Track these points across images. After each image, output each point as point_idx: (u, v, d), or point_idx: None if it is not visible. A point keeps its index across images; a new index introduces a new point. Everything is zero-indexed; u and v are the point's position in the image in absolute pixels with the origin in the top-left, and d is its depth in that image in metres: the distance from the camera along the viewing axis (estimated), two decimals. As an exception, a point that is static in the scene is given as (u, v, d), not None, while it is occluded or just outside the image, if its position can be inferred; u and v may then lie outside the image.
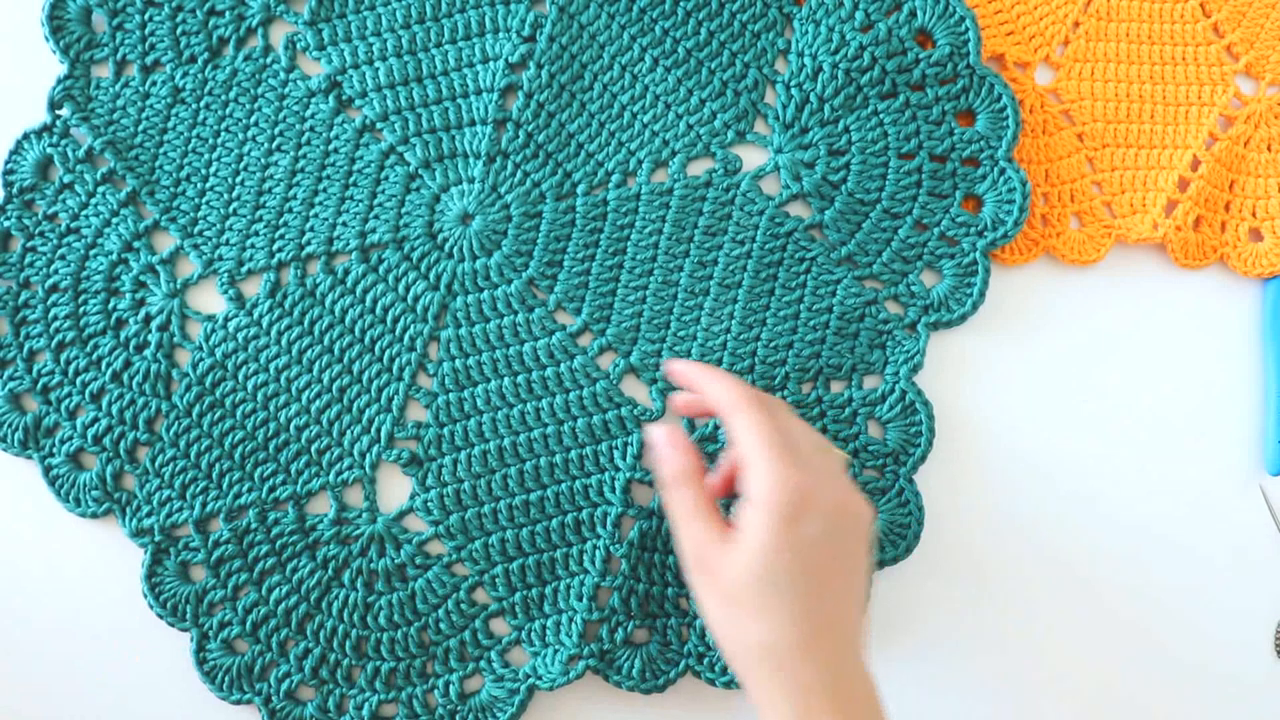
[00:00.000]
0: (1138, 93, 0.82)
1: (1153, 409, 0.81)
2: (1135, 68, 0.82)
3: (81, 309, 0.79)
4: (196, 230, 0.80)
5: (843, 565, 0.65)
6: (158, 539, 0.78)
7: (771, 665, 0.63)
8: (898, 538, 0.77)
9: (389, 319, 0.79)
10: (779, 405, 0.70)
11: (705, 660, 0.76)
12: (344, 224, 0.80)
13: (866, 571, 0.66)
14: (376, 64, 0.81)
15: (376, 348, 0.79)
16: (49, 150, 0.80)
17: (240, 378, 0.79)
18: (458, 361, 0.79)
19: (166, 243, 0.80)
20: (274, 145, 0.81)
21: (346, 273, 0.79)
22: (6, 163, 0.81)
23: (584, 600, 0.76)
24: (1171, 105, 0.82)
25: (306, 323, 0.79)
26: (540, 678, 0.75)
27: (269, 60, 0.81)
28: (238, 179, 0.80)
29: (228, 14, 0.81)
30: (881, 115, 0.79)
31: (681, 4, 0.81)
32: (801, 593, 0.63)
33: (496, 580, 0.77)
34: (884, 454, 0.78)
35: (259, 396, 0.79)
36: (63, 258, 0.80)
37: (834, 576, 0.64)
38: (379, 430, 0.78)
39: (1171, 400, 0.81)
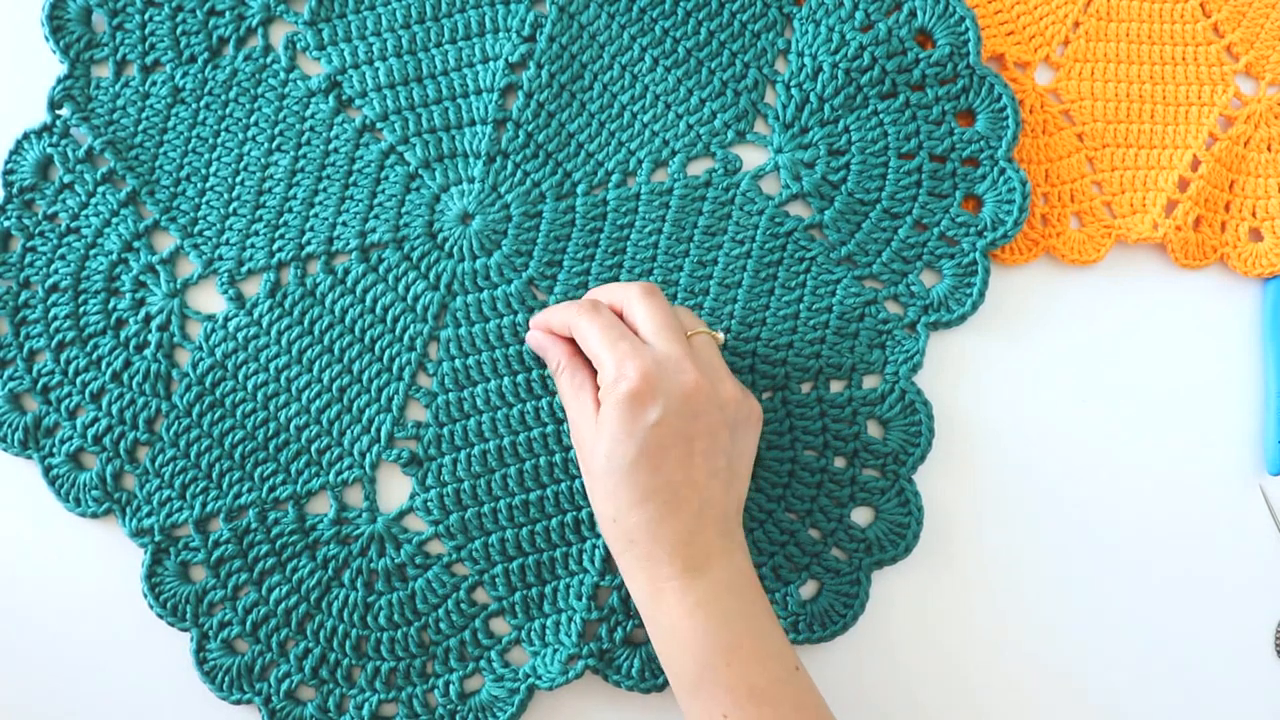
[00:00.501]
0: (1138, 93, 0.82)
1: (1153, 409, 0.80)
2: (1135, 68, 0.82)
3: (81, 309, 0.79)
4: (196, 230, 0.80)
5: (694, 446, 0.68)
6: (158, 539, 0.78)
7: (623, 542, 0.68)
8: (897, 537, 0.77)
9: (389, 319, 0.79)
10: (641, 293, 0.72)
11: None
12: (344, 224, 0.80)
13: (736, 451, 0.70)
14: (376, 64, 0.81)
15: (376, 347, 0.79)
16: (49, 150, 0.80)
17: (240, 378, 0.79)
18: (457, 361, 0.79)
19: (166, 242, 0.80)
20: (274, 145, 0.81)
21: (346, 272, 0.80)
22: (6, 162, 0.81)
23: (583, 600, 0.76)
24: (1171, 105, 0.82)
25: (306, 322, 0.79)
26: (540, 677, 0.75)
27: (269, 60, 0.81)
28: (238, 179, 0.80)
29: (228, 14, 0.81)
30: (881, 115, 0.79)
31: (681, 4, 0.81)
32: (645, 475, 0.67)
33: (496, 580, 0.77)
34: (884, 454, 0.78)
35: (259, 396, 0.79)
36: (63, 257, 0.80)
37: (686, 457, 0.68)
38: (379, 430, 0.78)
39: (1171, 400, 0.81)
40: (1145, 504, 0.80)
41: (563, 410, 0.78)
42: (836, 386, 0.79)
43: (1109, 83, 0.82)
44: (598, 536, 0.77)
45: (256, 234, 0.80)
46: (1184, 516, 0.80)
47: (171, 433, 0.78)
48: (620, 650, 0.76)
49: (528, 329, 0.78)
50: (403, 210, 0.80)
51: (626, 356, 0.68)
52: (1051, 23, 0.82)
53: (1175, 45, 0.82)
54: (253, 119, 0.81)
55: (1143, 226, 0.81)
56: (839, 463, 0.78)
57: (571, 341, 0.73)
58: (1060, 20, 0.82)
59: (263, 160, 0.81)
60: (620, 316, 0.72)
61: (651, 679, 0.76)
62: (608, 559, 0.76)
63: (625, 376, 0.67)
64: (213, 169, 0.81)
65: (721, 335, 0.73)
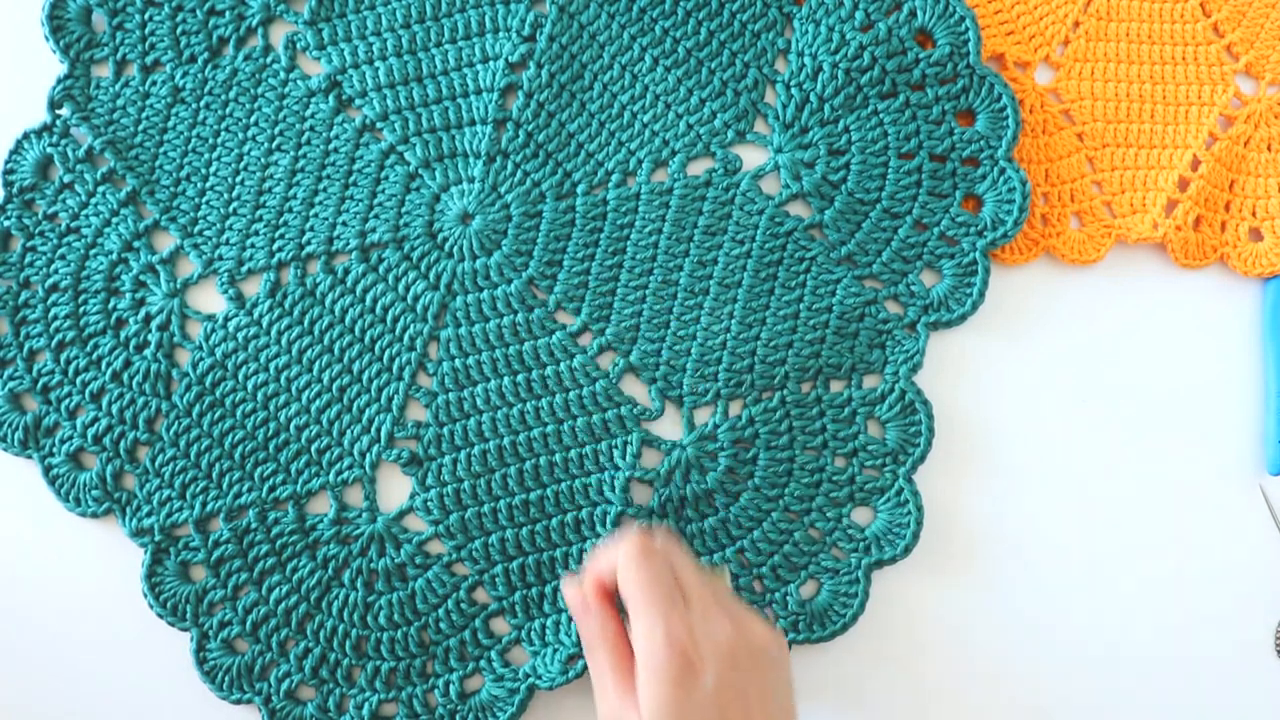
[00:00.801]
0: (1138, 92, 0.82)
1: (1153, 409, 0.80)
2: (1135, 68, 0.82)
3: (81, 309, 0.79)
4: (196, 230, 0.80)
5: (751, 704, 0.64)
6: (158, 539, 0.78)
7: None
8: (897, 538, 0.77)
9: (389, 318, 0.79)
10: (661, 545, 0.67)
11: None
12: (344, 223, 0.80)
13: (784, 693, 0.66)
14: (376, 63, 0.81)
15: (376, 347, 0.79)
16: (49, 150, 0.80)
17: (240, 377, 0.79)
18: (457, 361, 0.79)
19: (166, 242, 0.80)
20: (274, 145, 0.81)
21: (346, 272, 0.80)
22: (7, 162, 0.81)
23: (584, 600, 0.76)
24: (1171, 105, 0.82)
25: (306, 322, 0.79)
26: (540, 677, 0.75)
27: (269, 60, 0.81)
28: (238, 178, 0.81)
29: (228, 14, 0.81)
30: (881, 115, 0.79)
31: (681, 4, 0.81)
32: None
33: (496, 580, 0.77)
34: (883, 454, 0.78)
35: (259, 396, 0.79)
36: (63, 257, 0.80)
37: (741, 704, 0.63)
38: (379, 430, 0.78)
39: (1171, 400, 0.81)
40: (1145, 504, 0.80)
41: (564, 410, 0.78)
42: (836, 386, 0.79)
43: (1109, 82, 0.82)
44: (598, 536, 0.77)
45: (256, 234, 0.80)
46: (1184, 516, 0.80)
47: (171, 432, 0.78)
48: (620, 650, 0.76)
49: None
50: (403, 210, 0.80)
51: (669, 620, 0.63)
52: (1051, 23, 0.82)
53: (1175, 45, 0.82)
54: (253, 119, 0.81)
55: (1143, 226, 0.81)
56: (838, 463, 0.78)
57: (612, 609, 0.67)
58: (1060, 20, 0.82)
59: (263, 160, 0.81)
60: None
61: (651, 679, 0.76)
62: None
63: (668, 647, 0.62)
64: (213, 169, 0.81)
65: (726, 570, 0.71)
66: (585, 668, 0.75)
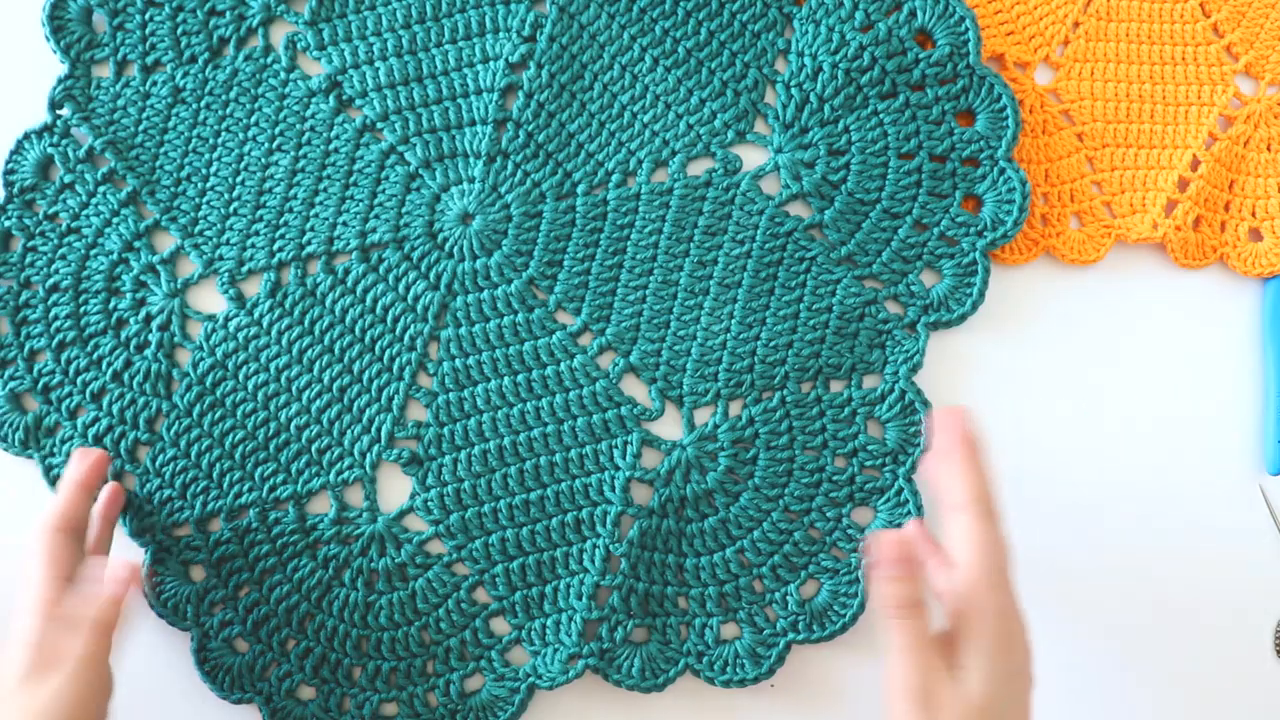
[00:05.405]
0: (1138, 93, 0.82)
1: (1153, 409, 0.81)
2: (1135, 68, 0.82)
3: (82, 309, 0.79)
4: (197, 230, 0.80)
5: (1027, 693, 0.64)
6: (158, 539, 0.78)
7: None
8: (897, 537, 0.77)
9: (389, 319, 0.79)
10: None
11: (705, 659, 0.76)
12: (344, 224, 0.80)
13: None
14: (377, 64, 0.81)
15: (377, 347, 0.79)
16: (50, 150, 0.80)
17: (240, 377, 0.79)
18: (458, 361, 0.79)
19: (167, 242, 0.80)
20: (274, 145, 0.81)
21: (347, 272, 0.80)
22: (7, 162, 0.81)
23: (584, 599, 0.76)
24: (1171, 105, 0.82)
25: (307, 322, 0.79)
26: (540, 677, 0.75)
27: (269, 60, 0.81)
28: (238, 179, 0.80)
29: (228, 14, 0.81)
30: (881, 115, 0.79)
31: (682, 4, 0.81)
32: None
33: (497, 579, 0.77)
34: (883, 453, 0.78)
35: (259, 396, 0.79)
36: (63, 257, 0.80)
37: (1027, 704, 0.64)
38: (379, 430, 0.78)
39: (1171, 400, 0.81)
40: (1145, 504, 0.80)
41: (564, 410, 0.78)
42: (836, 386, 0.79)
43: (1109, 83, 0.82)
44: (598, 536, 0.77)
45: (257, 234, 0.80)
46: (1184, 516, 0.80)
47: (172, 432, 0.78)
48: (621, 649, 0.76)
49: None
50: (403, 210, 0.80)
51: (1006, 592, 0.64)
52: (1051, 23, 0.82)
53: (1175, 45, 0.82)
54: (253, 119, 0.81)
55: (1143, 226, 0.81)
56: (838, 463, 0.78)
57: (922, 576, 0.66)
58: (1060, 20, 0.82)
59: (263, 160, 0.81)
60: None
61: (652, 678, 0.76)
62: (608, 558, 0.77)
63: (1004, 616, 0.63)
64: (213, 169, 0.81)
65: None
66: (586, 668, 0.75)
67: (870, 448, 0.78)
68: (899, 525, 0.76)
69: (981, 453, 0.68)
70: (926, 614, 0.64)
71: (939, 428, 0.69)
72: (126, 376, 0.79)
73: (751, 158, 0.81)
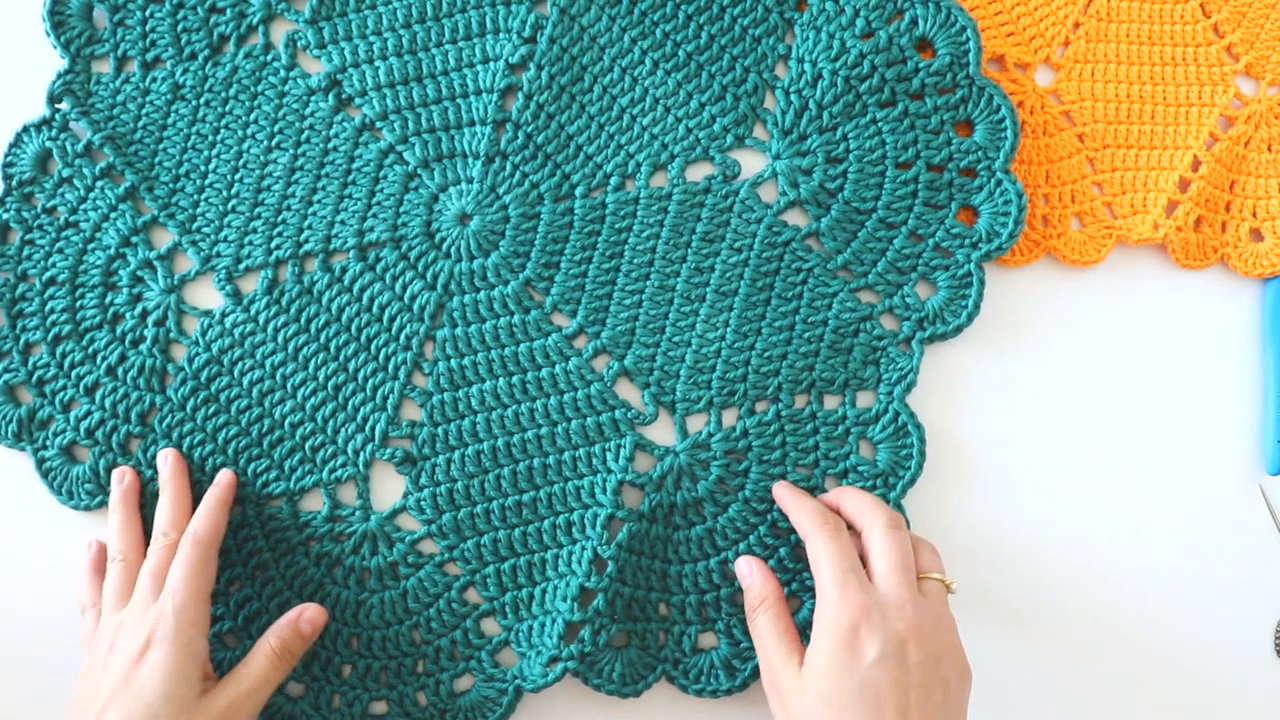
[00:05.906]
0: (1138, 93, 0.82)
1: (1153, 409, 0.81)
2: (1135, 68, 0.82)
3: (78, 303, 0.80)
4: (195, 226, 0.80)
5: (910, 698, 0.65)
6: (149, 533, 0.77)
7: None
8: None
9: (385, 318, 0.79)
10: (886, 527, 0.71)
11: (680, 667, 0.76)
12: (342, 222, 0.80)
13: (951, 713, 0.66)
14: (376, 63, 0.81)
15: (372, 346, 0.79)
16: (48, 144, 0.80)
17: (236, 374, 0.79)
18: (453, 361, 0.79)
19: (164, 238, 0.80)
20: (273, 143, 0.81)
21: (344, 271, 0.80)
22: (6, 155, 0.81)
23: (568, 601, 0.75)
24: (1172, 106, 0.82)
25: (303, 320, 0.79)
26: (525, 679, 0.75)
27: (269, 58, 0.82)
28: (236, 176, 0.81)
29: (229, 11, 0.82)
30: (880, 124, 0.79)
31: (682, 7, 0.81)
32: (861, 714, 0.64)
33: (488, 580, 0.77)
34: (874, 475, 0.77)
35: (254, 393, 0.79)
36: (60, 251, 0.80)
37: (903, 711, 0.64)
38: (373, 428, 0.78)
39: (1171, 400, 0.81)
40: (1145, 504, 0.80)
41: (558, 413, 0.78)
42: (831, 402, 0.79)
43: (1109, 83, 0.82)
44: (588, 539, 0.76)
45: (254, 231, 0.80)
46: (1184, 516, 0.80)
47: (164, 426, 0.78)
48: (603, 654, 0.76)
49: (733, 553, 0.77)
50: (401, 210, 0.80)
51: (850, 589, 0.67)
52: (1051, 24, 0.82)
53: (1175, 46, 0.82)
54: (252, 116, 0.81)
55: (1143, 227, 0.80)
56: (829, 482, 0.78)
57: (775, 577, 0.74)
58: (1060, 21, 0.82)
59: (262, 158, 0.81)
60: (855, 529, 0.72)
61: (632, 684, 0.75)
62: (595, 561, 0.76)
63: (845, 607, 0.66)
64: (212, 166, 0.81)
65: (953, 584, 0.71)
66: (565, 671, 0.74)
67: (861, 468, 0.77)
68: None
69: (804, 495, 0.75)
70: (780, 608, 0.72)
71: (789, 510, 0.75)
72: (121, 371, 0.79)
73: (750, 163, 0.81)
